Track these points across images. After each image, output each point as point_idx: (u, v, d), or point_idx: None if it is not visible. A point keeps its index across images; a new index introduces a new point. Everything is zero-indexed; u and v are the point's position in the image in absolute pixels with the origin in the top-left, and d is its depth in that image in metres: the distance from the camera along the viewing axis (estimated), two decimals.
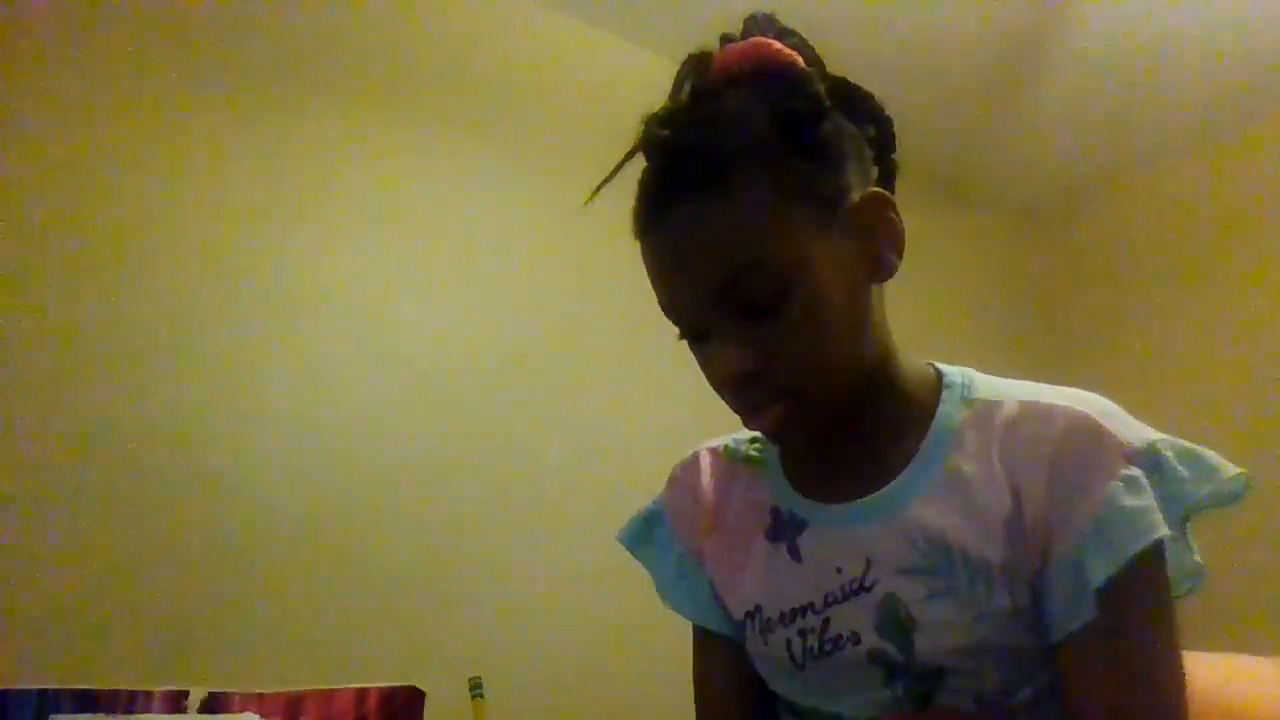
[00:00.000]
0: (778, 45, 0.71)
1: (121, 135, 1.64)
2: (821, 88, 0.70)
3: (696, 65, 0.72)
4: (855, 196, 0.70)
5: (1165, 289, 2.80)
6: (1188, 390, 2.63)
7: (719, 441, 0.88)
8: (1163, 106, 2.60)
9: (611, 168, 0.73)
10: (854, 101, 0.74)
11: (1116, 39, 2.32)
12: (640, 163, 0.72)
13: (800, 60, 0.71)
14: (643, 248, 0.71)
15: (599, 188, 0.73)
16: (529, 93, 2.15)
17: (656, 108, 0.72)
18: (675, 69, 0.72)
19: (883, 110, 0.76)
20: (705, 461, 0.86)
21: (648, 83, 0.76)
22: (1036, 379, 0.74)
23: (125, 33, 1.68)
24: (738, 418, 0.74)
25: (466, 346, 1.94)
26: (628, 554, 0.89)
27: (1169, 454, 0.65)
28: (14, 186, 1.53)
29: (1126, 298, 2.91)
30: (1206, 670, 0.65)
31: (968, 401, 0.73)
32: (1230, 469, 0.65)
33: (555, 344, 2.05)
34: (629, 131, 0.72)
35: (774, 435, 0.73)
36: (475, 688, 1.54)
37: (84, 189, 1.59)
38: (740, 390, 0.69)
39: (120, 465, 1.53)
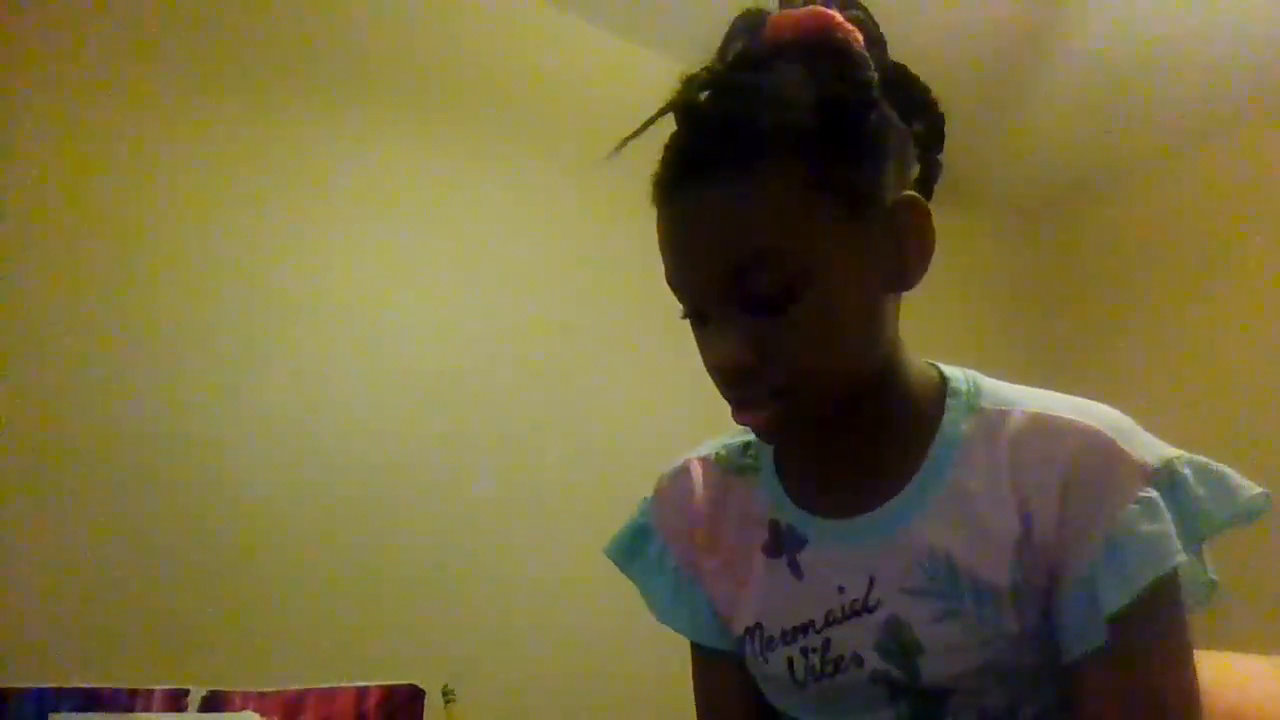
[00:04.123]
0: (838, 18, 0.65)
1: (117, 135, 1.64)
2: (875, 75, 0.64)
3: (749, 24, 0.66)
4: (889, 198, 0.64)
5: (1165, 289, 2.80)
6: (1187, 390, 2.63)
7: (709, 449, 0.82)
8: (1163, 106, 2.60)
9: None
10: (907, 93, 0.68)
11: (1117, 39, 2.32)
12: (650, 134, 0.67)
13: (859, 38, 0.65)
14: (659, 215, 0.66)
15: (623, 143, 0.68)
16: (528, 92, 2.15)
17: (699, 66, 0.66)
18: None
19: (936, 105, 0.70)
20: (696, 472, 0.81)
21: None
22: (1035, 379, 0.72)
23: (122, 32, 1.68)
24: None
25: (463, 347, 1.94)
26: None
27: (1187, 473, 0.61)
28: (12, 187, 1.53)
29: (1126, 298, 2.91)
30: (1204, 670, 0.64)
31: (973, 410, 0.68)
32: (1250, 488, 0.62)
33: (552, 344, 2.05)
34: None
35: (763, 434, 0.69)
36: (447, 694, 1.56)
37: (81, 189, 1.59)
38: (733, 383, 0.65)
39: (120, 465, 1.53)
